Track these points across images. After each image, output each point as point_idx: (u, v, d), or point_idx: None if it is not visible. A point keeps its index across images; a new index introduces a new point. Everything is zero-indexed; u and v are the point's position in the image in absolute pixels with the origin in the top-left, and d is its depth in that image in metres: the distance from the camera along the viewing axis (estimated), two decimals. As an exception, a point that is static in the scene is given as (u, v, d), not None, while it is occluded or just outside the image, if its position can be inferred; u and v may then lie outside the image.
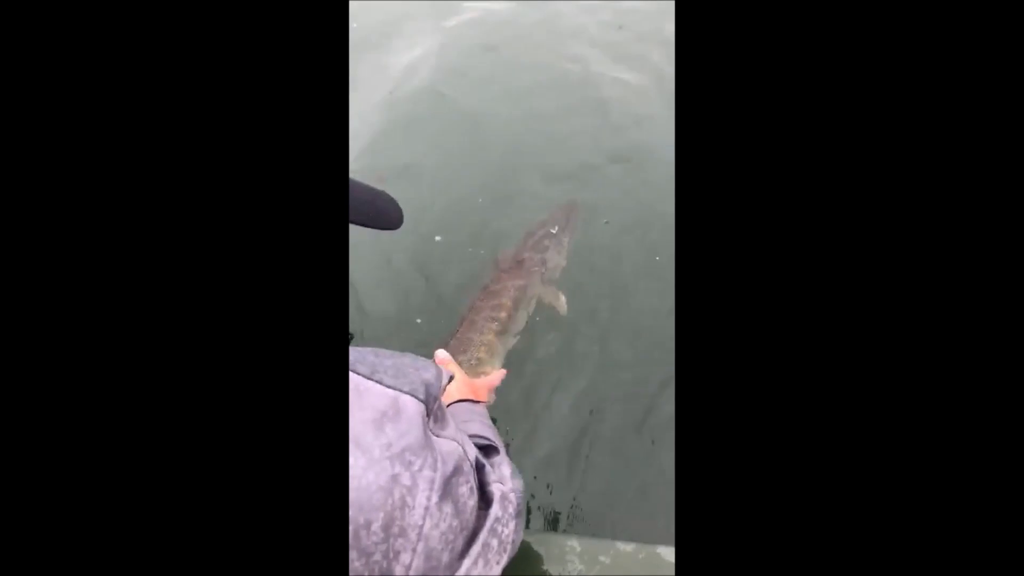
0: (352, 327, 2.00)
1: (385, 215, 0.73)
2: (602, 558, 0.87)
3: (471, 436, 0.74)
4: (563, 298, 2.00)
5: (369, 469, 0.50)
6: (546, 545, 0.89)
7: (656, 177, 2.34)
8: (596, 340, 1.94)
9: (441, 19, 3.58)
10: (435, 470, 0.54)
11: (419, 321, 2.02)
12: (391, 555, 0.50)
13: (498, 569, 0.64)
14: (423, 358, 0.63)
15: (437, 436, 0.58)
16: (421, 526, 0.52)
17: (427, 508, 0.53)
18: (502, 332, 1.82)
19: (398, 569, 0.51)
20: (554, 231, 2.15)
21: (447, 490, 0.55)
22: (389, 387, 0.55)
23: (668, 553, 0.87)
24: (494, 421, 1.03)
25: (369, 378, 0.55)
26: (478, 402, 1.05)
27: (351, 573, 0.48)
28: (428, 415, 0.57)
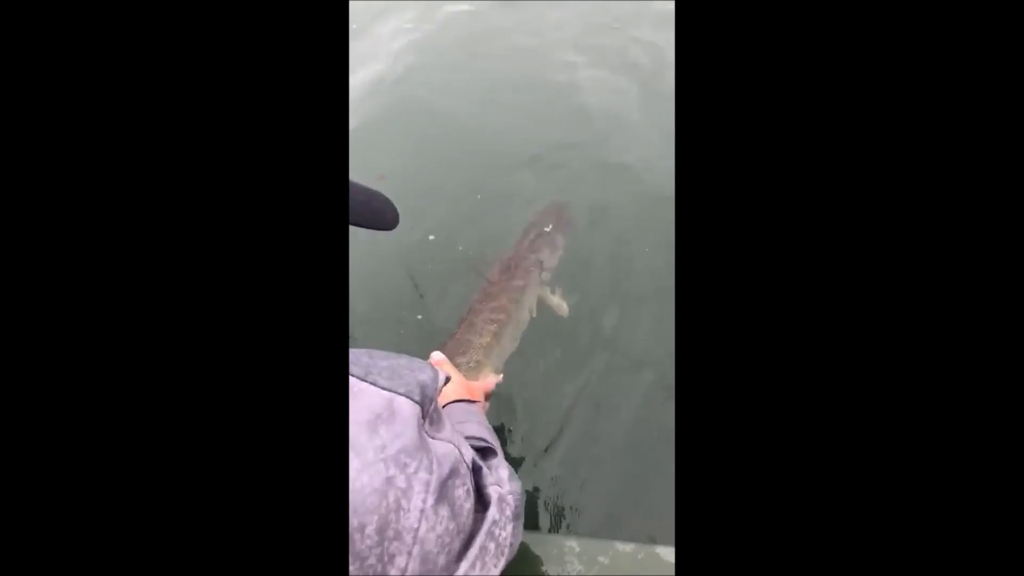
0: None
1: (381, 216, 0.72)
2: (601, 558, 0.87)
3: (468, 438, 0.73)
4: (563, 298, 1.99)
5: (363, 471, 0.50)
6: (545, 545, 0.89)
7: (645, 175, 2.34)
8: (596, 340, 1.93)
9: (422, 20, 3.58)
10: (431, 472, 0.54)
11: (419, 317, 2.01)
12: (386, 558, 0.50)
13: (496, 572, 0.63)
14: (418, 359, 0.62)
15: (433, 438, 0.57)
16: (416, 529, 0.52)
17: (423, 511, 0.52)
18: (501, 334, 1.81)
19: (393, 572, 0.50)
20: (547, 229, 2.14)
21: (443, 493, 0.55)
22: (384, 389, 0.55)
23: (668, 553, 0.86)
24: (491, 423, 1.03)
25: (363, 379, 0.54)
26: (475, 403, 1.05)
27: None
28: (424, 417, 0.56)
